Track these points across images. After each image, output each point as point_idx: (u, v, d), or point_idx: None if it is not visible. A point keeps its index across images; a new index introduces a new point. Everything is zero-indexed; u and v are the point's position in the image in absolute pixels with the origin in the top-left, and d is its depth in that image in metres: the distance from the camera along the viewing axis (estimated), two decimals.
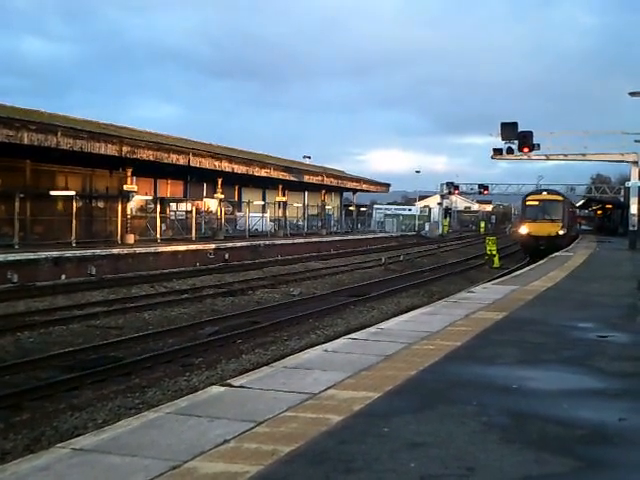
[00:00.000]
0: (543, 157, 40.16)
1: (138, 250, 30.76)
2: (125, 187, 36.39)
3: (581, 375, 7.45)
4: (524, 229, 39.62)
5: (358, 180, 69.30)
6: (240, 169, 45.31)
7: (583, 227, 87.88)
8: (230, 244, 38.41)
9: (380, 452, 4.66)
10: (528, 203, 41.12)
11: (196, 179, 48.28)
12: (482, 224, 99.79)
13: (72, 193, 32.90)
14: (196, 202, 46.85)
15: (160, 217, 39.12)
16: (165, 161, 37.66)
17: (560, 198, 41.35)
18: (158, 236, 37.30)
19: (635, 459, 4.85)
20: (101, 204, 38.39)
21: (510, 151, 34.91)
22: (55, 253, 26.11)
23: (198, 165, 40.68)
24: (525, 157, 36.97)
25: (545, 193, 41.85)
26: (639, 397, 6.61)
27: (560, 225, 39.13)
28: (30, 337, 15.32)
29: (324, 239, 51.90)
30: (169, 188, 47.28)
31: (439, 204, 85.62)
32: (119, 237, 33.93)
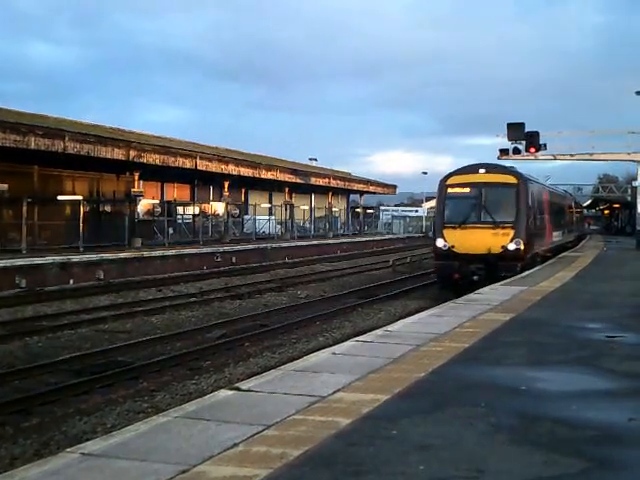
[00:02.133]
0: (550, 157, 39.78)
1: (145, 254, 30.83)
2: (132, 191, 36.48)
3: (590, 376, 7.43)
4: (441, 242, 22.20)
5: (365, 182, 69.33)
6: (246, 172, 45.40)
7: (591, 227, 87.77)
8: (237, 247, 38.46)
9: (389, 455, 4.66)
10: (451, 191, 23.03)
11: (203, 182, 48.37)
12: None
13: (79, 198, 33.01)
14: (203, 205, 46.93)
15: (167, 221, 39.21)
16: (172, 165, 37.80)
17: (513, 180, 22.96)
18: (165, 240, 37.38)
19: None
20: (108, 208, 38.48)
21: (517, 151, 34.86)
22: (63, 258, 26.19)
23: (205, 168, 40.80)
24: (532, 157, 36.77)
25: (483, 171, 22.93)
26: None
27: (512, 232, 21.71)
28: (38, 342, 15.37)
29: (331, 241, 51.91)
30: (176, 191, 47.37)
31: None
32: (126, 241, 34.01)
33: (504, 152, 36.04)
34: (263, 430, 5.09)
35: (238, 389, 6.47)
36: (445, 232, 22.30)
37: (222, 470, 4.28)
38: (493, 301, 13.47)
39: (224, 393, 6.39)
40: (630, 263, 27.38)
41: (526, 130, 33.41)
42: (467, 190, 22.88)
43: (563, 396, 6.46)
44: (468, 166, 24.15)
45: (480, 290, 15.50)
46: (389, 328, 10.49)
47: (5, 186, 29.07)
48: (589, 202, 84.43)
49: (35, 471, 4.33)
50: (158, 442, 4.81)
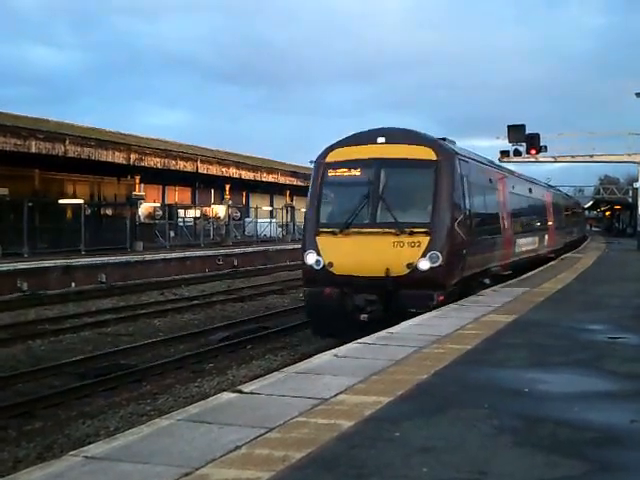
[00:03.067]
0: (551, 159, 39.79)
1: (147, 257, 30.86)
2: (133, 194, 36.55)
3: (592, 377, 7.42)
4: (312, 256, 13.98)
5: None
6: (247, 175, 45.50)
7: (593, 228, 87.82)
8: (239, 250, 38.48)
9: (392, 457, 4.66)
10: (332, 174, 14.67)
11: (204, 185, 48.44)
12: None
13: (80, 201, 33.05)
14: (204, 208, 47.00)
15: (168, 224, 39.23)
16: (173, 168, 37.89)
17: (431, 154, 14.08)
18: (167, 243, 37.41)
19: None
20: (110, 211, 38.54)
21: (517, 153, 34.86)
22: (64, 261, 26.21)
23: (206, 171, 40.88)
24: (532, 159, 36.81)
25: (382, 140, 14.34)
26: None
27: (425, 241, 13.53)
28: (41, 345, 15.40)
29: None
30: (177, 195, 47.45)
31: None
32: (128, 244, 34.04)
33: (504, 154, 36.04)
34: (266, 433, 5.09)
35: (241, 392, 6.47)
36: (320, 241, 14.07)
37: (225, 473, 4.29)
38: (495, 303, 13.45)
39: (227, 396, 6.39)
40: (632, 264, 27.37)
41: (526, 132, 33.44)
42: (356, 172, 14.63)
43: (565, 398, 6.46)
44: (360, 133, 15.15)
45: (482, 292, 15.48)
46: (391, 330, 10.48)
47: (6, 190, 29.11)
48: (590, 203, 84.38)
49: (38, 474, 4.33)
50: (161, 445, 4.82)
